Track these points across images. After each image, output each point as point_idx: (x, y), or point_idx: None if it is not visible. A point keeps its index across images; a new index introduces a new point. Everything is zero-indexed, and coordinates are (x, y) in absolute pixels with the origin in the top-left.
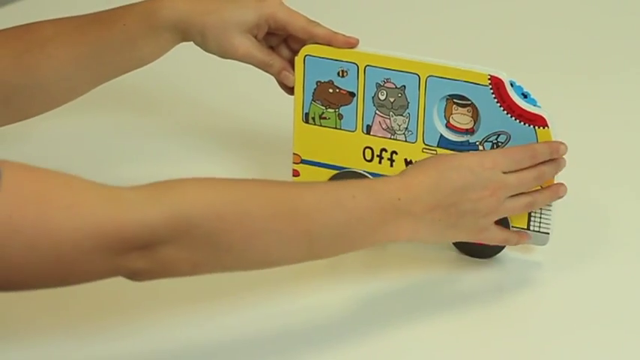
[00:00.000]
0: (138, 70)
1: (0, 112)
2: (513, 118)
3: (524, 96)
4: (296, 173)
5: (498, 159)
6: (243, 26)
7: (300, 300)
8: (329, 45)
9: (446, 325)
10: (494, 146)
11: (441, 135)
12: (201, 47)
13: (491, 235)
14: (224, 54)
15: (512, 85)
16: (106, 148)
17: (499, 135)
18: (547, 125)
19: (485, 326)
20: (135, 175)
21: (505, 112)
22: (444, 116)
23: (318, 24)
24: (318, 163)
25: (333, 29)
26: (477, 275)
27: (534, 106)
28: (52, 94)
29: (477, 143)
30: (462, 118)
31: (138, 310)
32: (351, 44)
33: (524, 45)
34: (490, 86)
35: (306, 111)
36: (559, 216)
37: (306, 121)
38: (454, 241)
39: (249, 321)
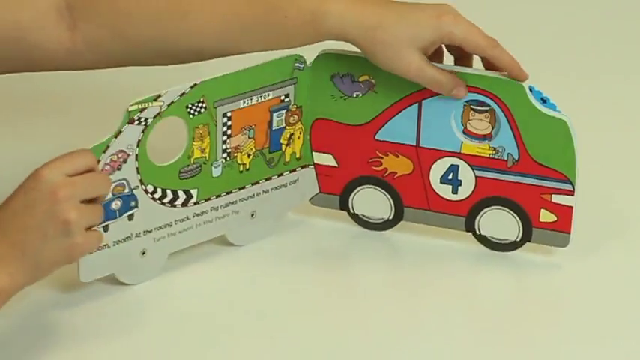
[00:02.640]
0: None
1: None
2: None
3: (543, 100)
4: None
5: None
6: (416, 44)
7: (318, 290)
8: (503, 70)
9: (462, 319)
10: None
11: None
12: (368, 58)
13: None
14: (393, 69)
15: (531, 90)
16: None
17: None
18: None
19: (501, 320)
20: None
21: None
22: (461, 122)
23: (497, 45)
24: None
25: None
26: (496, 272)
27: (554, 110)
28: (180, 58)
29: None
30: (479, 124)
31: None
32: (522, 78)
33: (535, 49)
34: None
35: None
36: (580, 217)
37: None
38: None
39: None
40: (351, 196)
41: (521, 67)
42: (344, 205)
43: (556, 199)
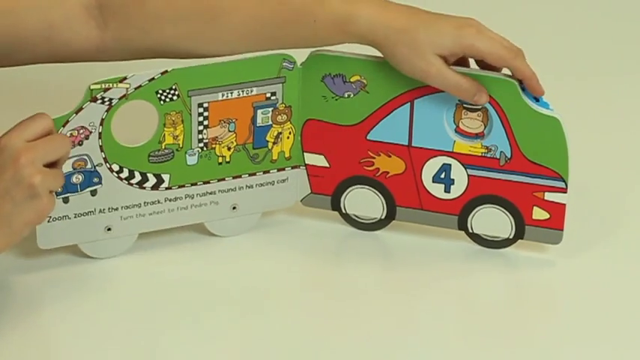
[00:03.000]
0: None
1: None
2: None
3: (536, 99)
4: None
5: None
6: (436, 49)
7: (310, 291)
8: (523, 82)
9: (456, 318)
10: None
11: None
12: (389, 61)
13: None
14: (413, 72)
15: (523, 89)
16: None
17: None
18: None
19: (496, 320)
20: None
21: None
22: (454, 121)
23: (517, 56)
24: None
25: None
26: (490, 270)
27: (547, 109)
28: (208, 57)
29: None
30: (472, 122)
31: None
32: (539, 94)
33: (528, 48)
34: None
35: None
36: (572, 214)
37: None
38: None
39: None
40: (343, 196)
41: (538, 82)
42: (336, 206)
43: (549, 196)
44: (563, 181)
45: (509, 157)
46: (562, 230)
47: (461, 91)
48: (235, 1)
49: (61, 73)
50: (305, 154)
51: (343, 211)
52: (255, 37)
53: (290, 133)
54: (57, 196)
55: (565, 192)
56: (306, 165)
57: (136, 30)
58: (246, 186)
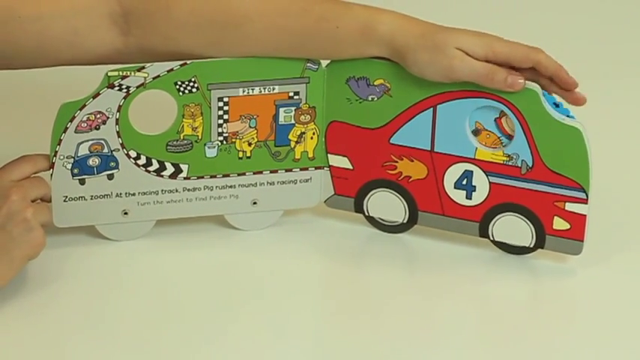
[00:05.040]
0: None
1: None
2: None
3: (556, 105)
4: None
5: None
6: (456, 44)
7: (330, 291)
8: (551, 76)
9: (475, 324)
10: None
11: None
12: (411, 70)
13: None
14: (437, 74)
15: (543, 94)
16: None
17: None
18: None
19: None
20: None
21: None
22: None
23: (540, 50)
24: None
25: None
26: (510, 277)
27: (567, 115)
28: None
29: None
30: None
31: None
32: (571, 85)
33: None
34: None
35: None
36: (593, 223)
37: None
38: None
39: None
40: (366, 199)
41: (567, 73)
42: (359, 208)
43: (570, 207)
44: (584, 191)
45: (530, 165)
46: (582, 241)
47: (490, 77)
48: (259, 9)
49: None
50: (329, 155)
51: (366, 213)
52: (278, 45)
53: (314, 133)
54: (72, 177)
55: (586, 203)
56: (329, 166)
57: (159, 37)
58: (267, 182)
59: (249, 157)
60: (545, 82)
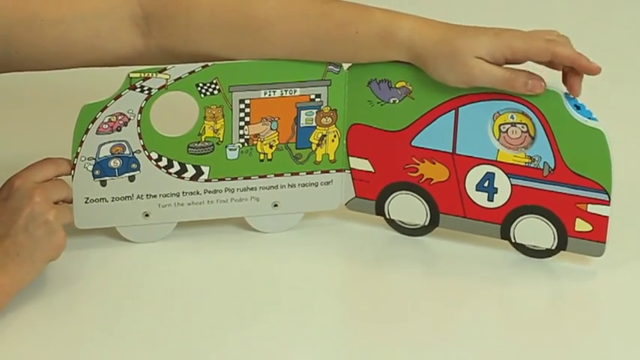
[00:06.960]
0: None
1: None
2: None
3: (577, 107)
4: None
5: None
6: (475, 53)
7: (351, 293)
8: (571, 66)
9: (497, 327)
10: None
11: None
12: (432, 75)
13: None
14: (458, 81)
15: (567, 99)
16: None
17: None
18: None
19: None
20: None
21: None
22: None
23: (558, 42)
24: None
25: None
26: (532, 279)
27: (589, 117)
28: None
29: None
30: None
31: None
32: (594, 70)
33: None
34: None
35: None
36: (615, 225)
37: None
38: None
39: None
40: (387, 202)
41: (589, 60)
42: (380, 211)
43: (592, 208)
44: (607, 193)
45: (552, 167)
46: (604, 243)
47: (511, 83)
48: (279, 13)
49: None
50: (350, 158)
51: (387, 216)
52: (297, 49)
53: (335, 136)
54: (94, 178)
55: (608, 204)
56: (351, 169)
57: (180, 39)
58: (289, 185)
59: (270, 160)
60: (566, 69)
